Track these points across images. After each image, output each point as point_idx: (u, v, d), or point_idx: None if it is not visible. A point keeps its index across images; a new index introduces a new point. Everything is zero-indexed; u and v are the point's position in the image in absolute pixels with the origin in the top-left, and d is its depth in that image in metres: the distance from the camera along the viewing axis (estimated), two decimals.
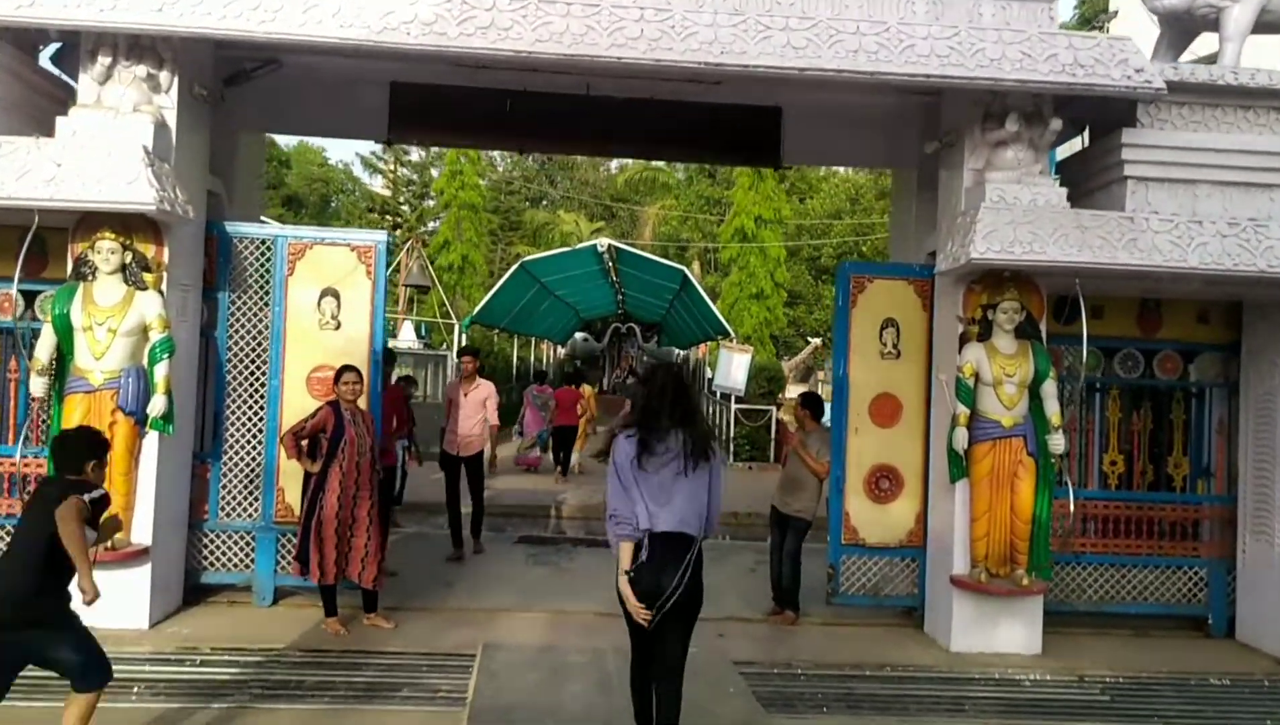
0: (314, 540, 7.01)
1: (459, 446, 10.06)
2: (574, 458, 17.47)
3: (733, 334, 21.39)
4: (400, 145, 38.69)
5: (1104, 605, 8.19)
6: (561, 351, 40.38)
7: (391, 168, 38.65)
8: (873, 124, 9.06)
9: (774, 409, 21.24)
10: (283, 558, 7.63)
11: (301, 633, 7.11)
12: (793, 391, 30.64)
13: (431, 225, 37.35)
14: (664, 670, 4.73)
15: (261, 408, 7.74)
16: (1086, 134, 8.35)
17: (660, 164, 49.10)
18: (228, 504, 7.73)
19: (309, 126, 9.28)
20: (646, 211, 43.11)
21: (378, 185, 39.66)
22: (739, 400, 20.79)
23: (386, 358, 8.93)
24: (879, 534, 8.13)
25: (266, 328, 7.76)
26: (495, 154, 62.39)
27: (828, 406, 8.57)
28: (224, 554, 7.75)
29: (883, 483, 8.14)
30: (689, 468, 4.63)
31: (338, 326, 7.79)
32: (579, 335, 41.54)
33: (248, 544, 7.75)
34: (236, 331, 7.75)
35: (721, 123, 8.39)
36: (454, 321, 21.17)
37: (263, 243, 7.78)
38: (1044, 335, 7.53)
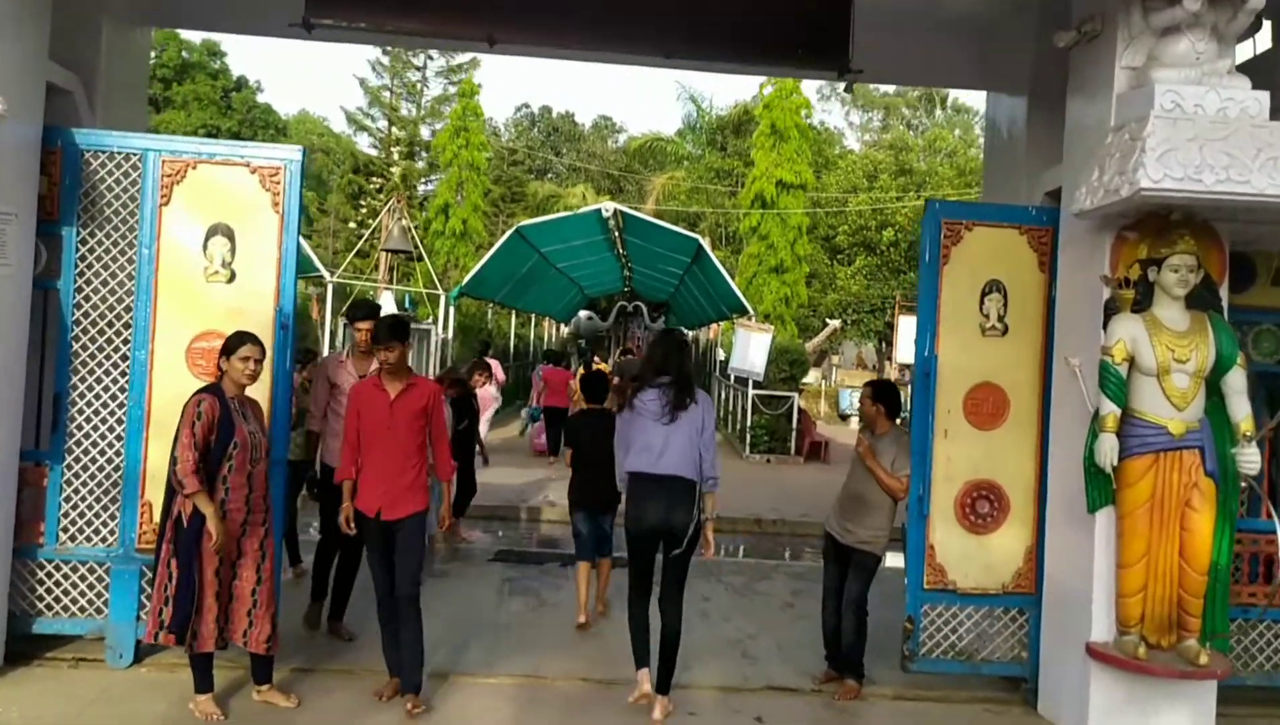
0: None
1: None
2: None
3: (751, 312, 19.15)
4: (387, 101, 36.40)
5: (1278, 676, 6.02)
6: (565, 330, 38.25)
7: (381, 127, 36.19)
8: (967, 27, 6.88)
9: (795, 396, 19.06)
10: (149, 598, 5.46)
11: (160, 713, 4.96)
12: (810, 377, 28.46)
13: (423, 188, 35.07)
14: (671, 595, 5.35)
15: (123, 389, 5.56)
16: (1268, 30, 6.13)
17: (670, 134, 46.89)
18: (73, 524, 5.56)
19: (199, 14, 7.02)
20: (653, 181, 40.80)
21: (364, 144, 37.32)
22: (757, 385, 18.60)
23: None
24: (975, 576, 5.95)
25: (132, 278, 5.58)
26: (499, 122, 60.24)
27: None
28: (66, 593, 5.57)
29: (981, 506, 5.96)
30: (674, 416, 5.29)
31: (231, 278, 5.60)
32: (583, 313, 39.31)
33: (100, 580, 5.58)
34: (89, 282, 5.56)
35: (769, 7, 6.15)
36: (442, 293, 18.95)
37: (127, 159, 5.58)
38: (1225, 305, 5.33)
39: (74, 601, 5.57)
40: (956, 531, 5.93)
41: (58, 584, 5.56)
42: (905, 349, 32.27)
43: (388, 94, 35.87)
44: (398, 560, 5.20)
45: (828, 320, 35.50)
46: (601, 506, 6.90)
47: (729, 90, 76.73)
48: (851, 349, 50.49)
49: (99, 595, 5.56)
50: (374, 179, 33.03)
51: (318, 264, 16.97)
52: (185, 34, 59.40)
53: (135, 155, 5.58)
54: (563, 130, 57.31)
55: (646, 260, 25.02)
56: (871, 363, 51.36)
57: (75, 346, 5.54)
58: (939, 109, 66.96)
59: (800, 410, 19.34)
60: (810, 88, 27.57)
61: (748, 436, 18.62)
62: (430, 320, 17.98)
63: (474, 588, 7.86)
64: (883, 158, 49.31)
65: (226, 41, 77.18)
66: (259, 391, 5.29)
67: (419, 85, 35.93)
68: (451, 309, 19.27)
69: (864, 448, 5.93)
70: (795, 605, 7.86)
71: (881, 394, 6.00)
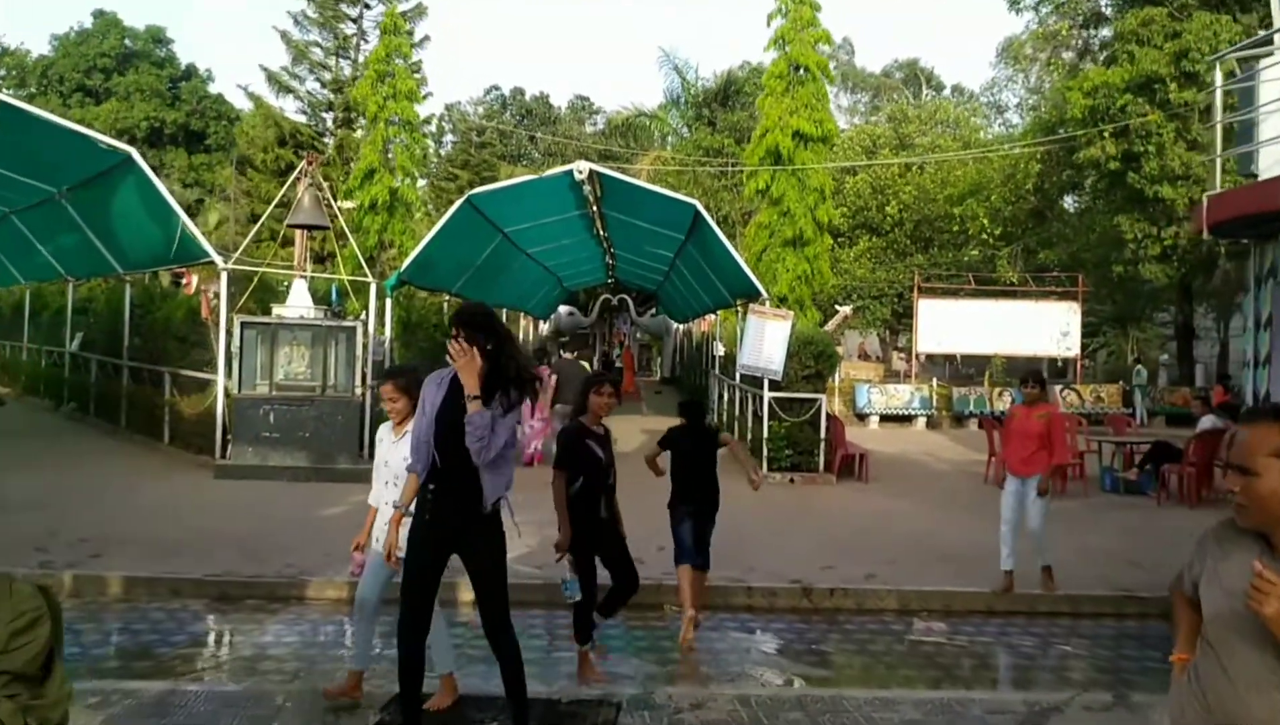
0: None
1: None
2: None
3: (764, 294, 15.34)
4: (317, 59, 31.54)
5: None
6: (545, 327, 34.52)
7: (312, 90, 31.73)
8: None
9: (822, 398, 15.25)
10: None
11: None
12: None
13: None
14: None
15: None
16: None
17: (654, 108, 43.09)
18: None
19: None
20: (639, 163, 36.96)
21: (291, 110, 32.86)
22: (774, 386, 14.79)
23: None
24: None
25: None
26: (465, 102, 56.19)
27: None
28: None
29: None
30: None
31: None
32: (563, 309, 35.68)
33: None
34: None
35: None
36: (373, 282, 15.04)
37: None
38: None
39: None
40: None
41: None
42: (928, 337, 28.63)
43: (318, 50, 31.54)
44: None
45: (838, 306, 31.83)
46: (704, 513, 7.16)
47: (714, 58, 72.65)
48: (854, 339, 46.94)
49: None
50: (301, 151, 28.79)
51: (205, 245, 13.10)
52: (129, 20, 55.39)
53: None
54: (537, 113, 53.45)
55: (631, 242, 21.27)
56: (875, 354, 47.85)
57: None
58: (925, 88, 63.79)
59: (830, 416, 15.56)
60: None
61: (765, 450, 14.79)
62: (353, 316, 14.09)
63: None
64: (881, 131, 45.74)
65: (174, 28, 72.81)
66: None
67: (355, 39, 31.57)
68: (389, 302, 15.38)
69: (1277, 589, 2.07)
70: None
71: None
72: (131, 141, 47.67)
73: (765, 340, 14.88)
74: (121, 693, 5.03)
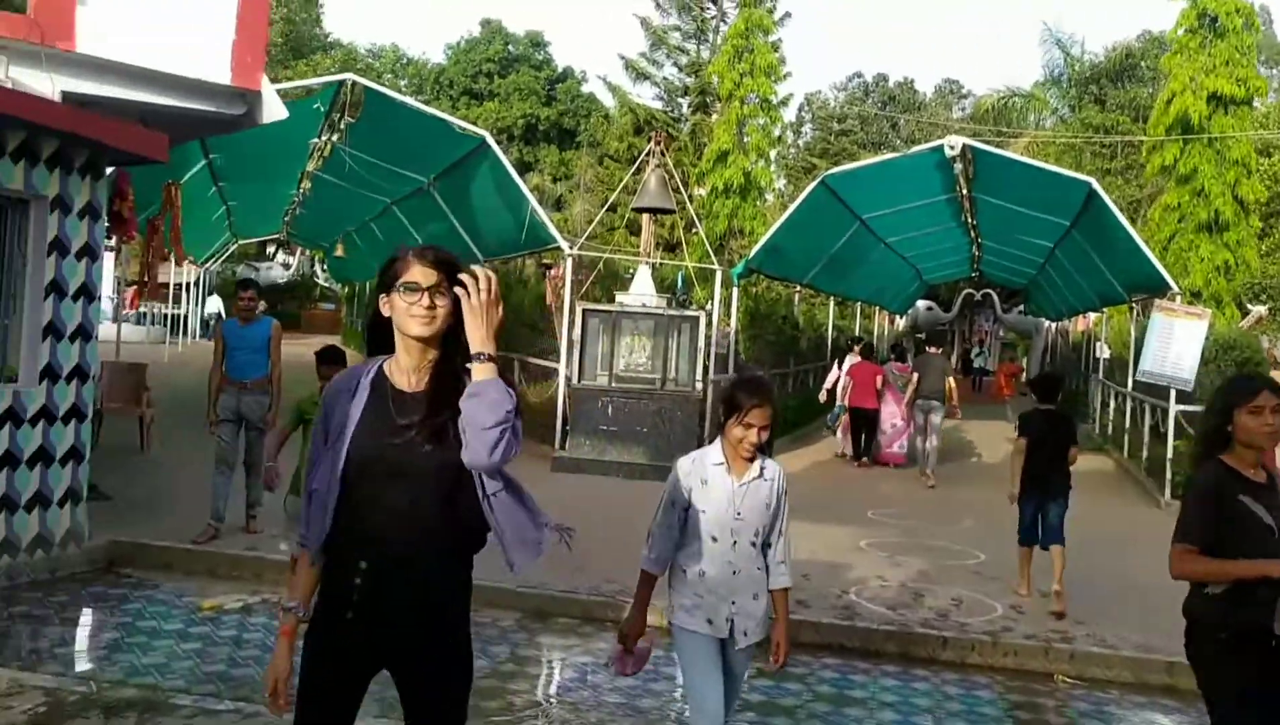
0: None
1: None
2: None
3: (1174, 287, 12.83)
4: (674, 44, 30.85)
5: None
6: (900, 323, 32.59)
7: (669, 76, 31.04)
8: None
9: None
10: None
11: None
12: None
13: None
14: None
15: None
16: None
17: (1028, 88, 39.57)
18: None
19: None
20: (1013, 145, 33.85)
21: (648, 97, 32.58)
22: (1181, 397, 12.32)
23: None
24: None
25: None
26: (825, 90, 54.80)
27: None
28: None
29: None
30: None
31: None
32: (921, 303, 33.48)
33: None
34: None
35: None
36: (719, 270, 14.18)
37: None
38: None
39: None
40: None
41: None
42: None
43: (676, 35, 31.13)
44: None
45: (1250, 306, 27.36)
46: (1049, 494, 7.44)
47: (1102, 31, 64.90)
48: (1260, 344, 40.62)
49: None
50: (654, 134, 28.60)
51: (552, 230, 12.82)
52: (511, 27, 59.08)
53: None
54: (900, 99, 51.06)
55: (1002, 230, 19.05)
56: None
57: None
58: None
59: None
60: None
61: (1168, 472, 12.35)
62: (697, 306, 13.27)
63: None
64: None
65: (550, 31, 76.77)
66: None
67: (714, 20, 30.76)
68: (735, 291, 14.48)
69: None
70: None
71: None
72: (509, 140, 50.71)
73: (1174, 342, 12.44)
74: None
